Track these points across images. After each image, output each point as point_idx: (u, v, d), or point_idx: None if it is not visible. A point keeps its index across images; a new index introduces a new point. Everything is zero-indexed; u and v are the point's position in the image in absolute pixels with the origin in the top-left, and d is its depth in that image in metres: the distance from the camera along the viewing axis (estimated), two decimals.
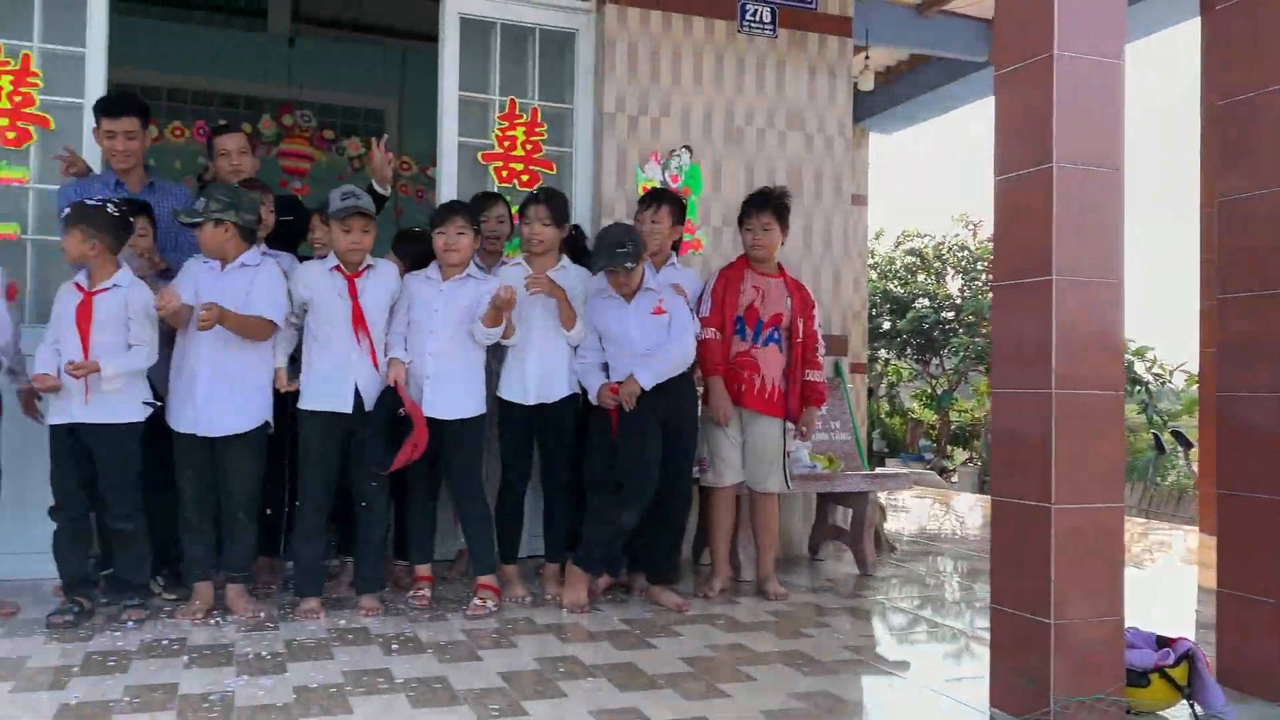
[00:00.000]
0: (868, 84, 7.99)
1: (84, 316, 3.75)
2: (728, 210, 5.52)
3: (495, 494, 4.43)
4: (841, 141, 5.83)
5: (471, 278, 4.21)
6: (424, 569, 4.27)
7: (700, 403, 4.49)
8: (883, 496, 7.02)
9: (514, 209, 4.81)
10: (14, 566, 4.31)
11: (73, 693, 3.01)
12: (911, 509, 8.09)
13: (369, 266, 4.09)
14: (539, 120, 5.38)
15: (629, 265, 4.14)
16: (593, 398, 4.28)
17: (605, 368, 4.31)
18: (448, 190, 5.18)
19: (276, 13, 8.74)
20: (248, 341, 3.90)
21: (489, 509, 4.27)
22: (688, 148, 5.47)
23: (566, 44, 5.52)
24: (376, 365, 4.06)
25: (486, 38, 5.35)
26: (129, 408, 3.83)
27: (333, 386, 4.00)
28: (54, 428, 3.81)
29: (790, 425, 4.54)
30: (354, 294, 4.02)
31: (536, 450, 4.46)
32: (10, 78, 4.54)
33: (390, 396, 4.01)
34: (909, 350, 14.13)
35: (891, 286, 14.44)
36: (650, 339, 4.23)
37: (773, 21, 5.67)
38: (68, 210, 3.78)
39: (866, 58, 7.83)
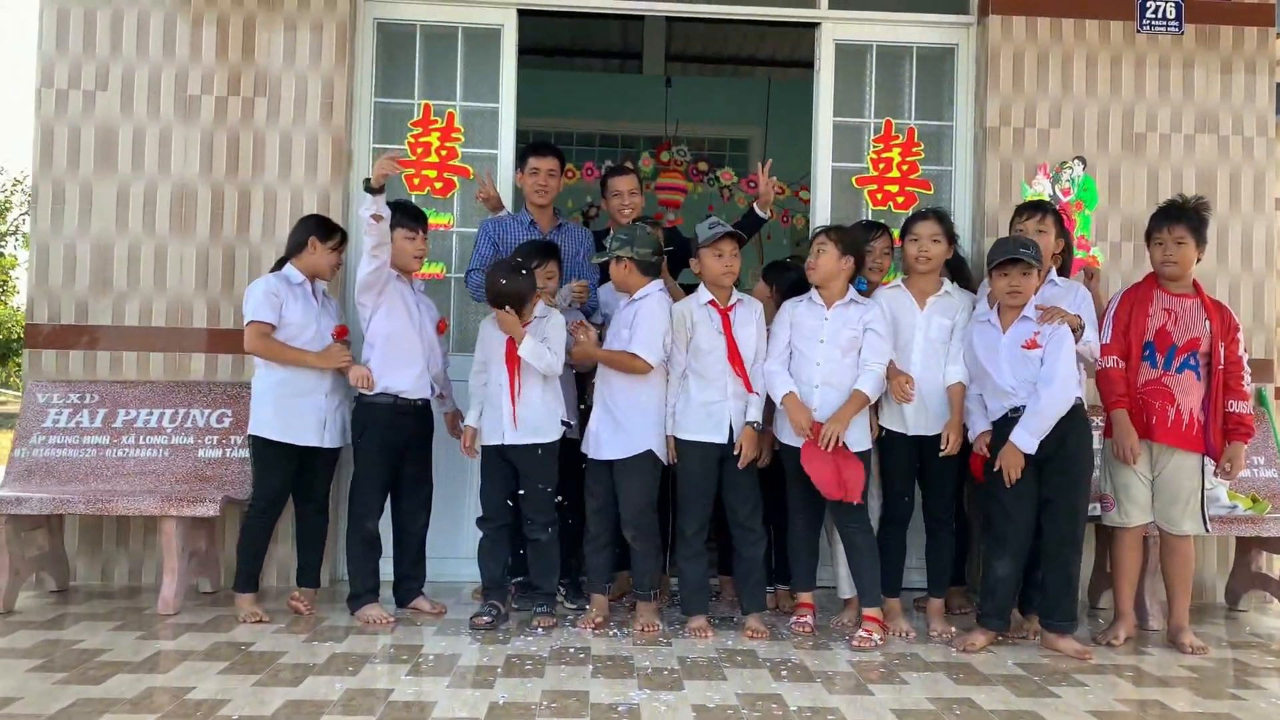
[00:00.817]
0: None
1: (512, 356, 4.13)
2: (1127, 224, 5.10)
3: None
4: (1263, 142, 5.20)
5: (855, 304, 4.17)
6: (806, 596, 4.27)
7: (1104, 435, 4.15)
8: None
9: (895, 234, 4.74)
10: (440, 569, 4.81)
11: (500, 693, 3.30)
12: None
13: (739, 301, 4.18)
14: (915, 140, 5.27)
15: (1031, 260, 3.90)
16: (972, 439, 4.10)
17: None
18: (822, 214, 5.20)
19: (651, 53, 9.23)
20: (632, 376, 4.11)
21: (875, 540, 4.20)
22: (1080, 158, 5.11)
23: (944, 60, 5.37)
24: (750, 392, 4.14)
25: (860, 62, 5.33)
26: (550, 428, 4.18)
27: (711, 419, 4.10)
28: (486, 448, 4.23)
29: (1209, 461, 4.09)
30: (728, 329, 4.11)
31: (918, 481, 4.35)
32: (438, 134, 5.13)
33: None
34: None
35: None
36: (1019, 375, 3.93)
37: (1178, 17, 5.17)
38: (486, 293, 4.18)
39: None
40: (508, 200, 5.02)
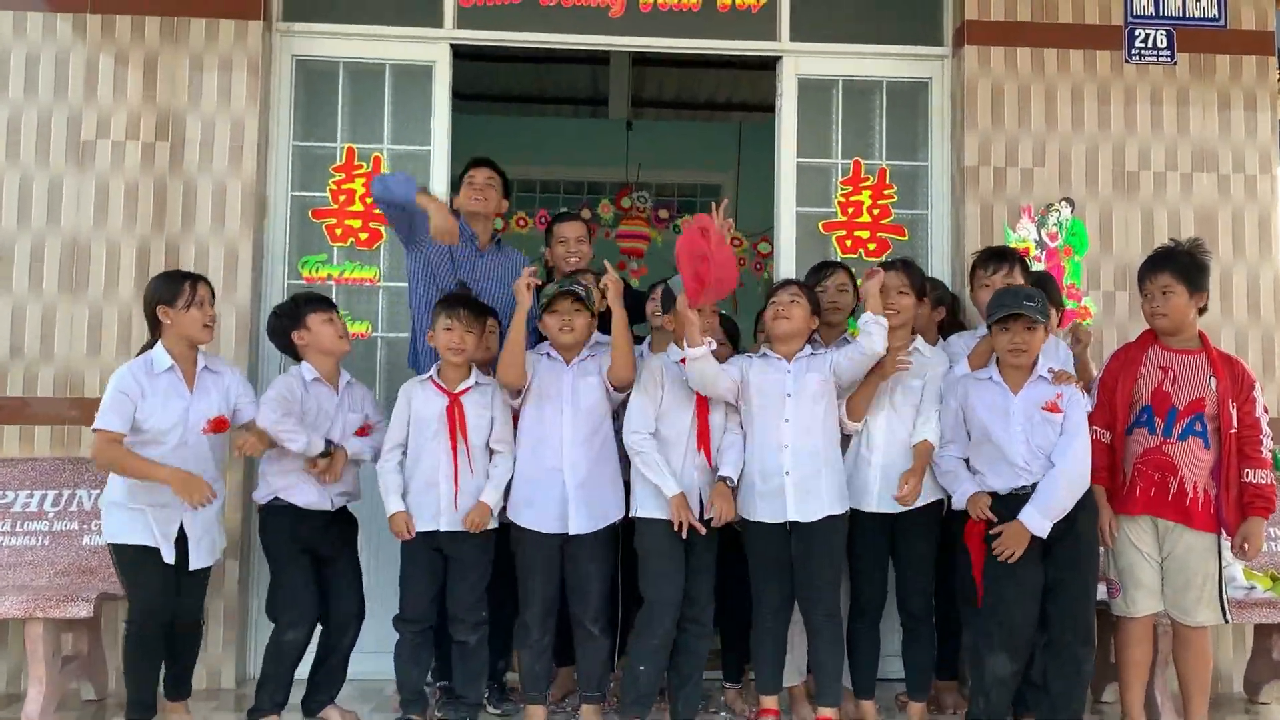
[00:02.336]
0: None
1: (454, 426, 3.63)
2: (1120, 271, 4.64)
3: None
4: (1267, 180, 4.76)
5: (814, 356, 3.70)
6: (770, 700, 3.70)
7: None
8: None
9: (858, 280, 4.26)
10: (359, 666, 4.16)
11: None
12: None
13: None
14: (887, 182, 4.82)
15: (1039, 317, 3.44)
16: (959, 504, 3.58)
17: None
18: (786, 264, 4.74)
19: (616, 99, 8.85)
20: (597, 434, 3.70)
21: (841, 631, 3.68)
22: (1069, 200, 4.65)
23: (917, 95, 4.93)
24: (710, 464, 3.65)
25: (826, 98, 4.89)
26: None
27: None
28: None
29: (1226, 539, 3.58)
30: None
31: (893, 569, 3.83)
32: (364, 180, 4.63)
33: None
34: None
35: None
36: (1037, 444, 3.45)
37: (1169, 46, 4.75)
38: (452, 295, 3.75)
39: None
40: None
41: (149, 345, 3.66)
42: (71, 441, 4.35)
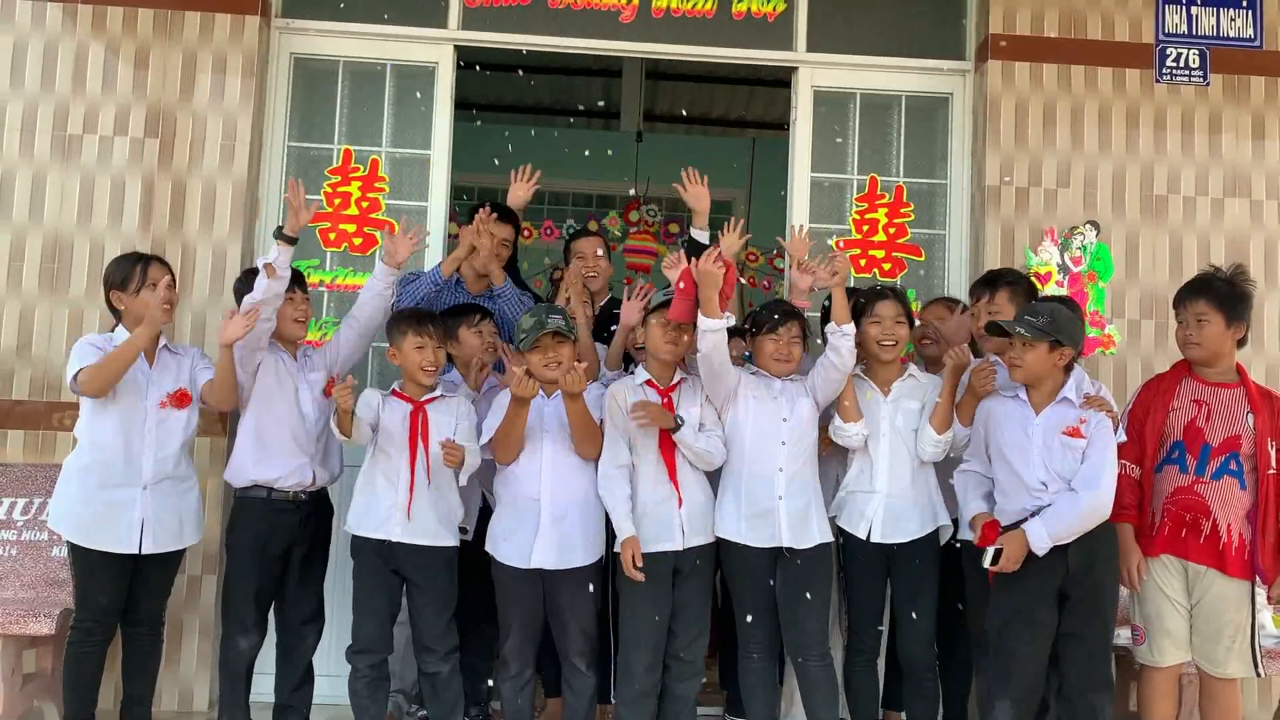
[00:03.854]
0: None
1: (414, 434, 3.44)
2: (1147, 298, 4.44)
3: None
4: None
5: (794, 380, 3.54)
6: None
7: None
8: None
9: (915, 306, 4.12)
10: (332, 690, 3.92)
11: None
12: None
13: (683, 380, 3.52)
14: (904, 199, 4.63)
15: (1025, 334, 3.23)
16: (964, 527, 3.39)
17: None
18: None
19: (628, 113, 8.69)
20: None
21: (834, 674, 3.49)
22: (1093, 223, 4.44)
23: (937, 110, 4.75)
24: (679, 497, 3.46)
25: (843, 112, 4.72)
26: (448, 530, 3.50)
27: (660, 523, 3.42)
28: (362, 545, 3.47)
29: (1262, 588, 3.36)
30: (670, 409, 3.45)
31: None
32: (359, 184, 4.48)
33: None
34: None
35: None
36: (1056, 468, 3.24)
37: (1203, 66, 4.56)
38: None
39: None
40: (437, 253, 4.36)
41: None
42: (46, 447, 4.16)
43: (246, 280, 3.61)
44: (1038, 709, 3.31)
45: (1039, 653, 3.23)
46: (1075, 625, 3.23)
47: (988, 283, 3.74)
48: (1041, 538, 3.16)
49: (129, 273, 3.49)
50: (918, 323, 3.86)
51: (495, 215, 3.96)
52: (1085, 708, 3.25)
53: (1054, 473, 3.24)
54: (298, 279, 3.65)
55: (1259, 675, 3.41)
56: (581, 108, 8.94)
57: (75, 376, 3.39)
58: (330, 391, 3.53)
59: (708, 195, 4.13)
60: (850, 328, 3.44)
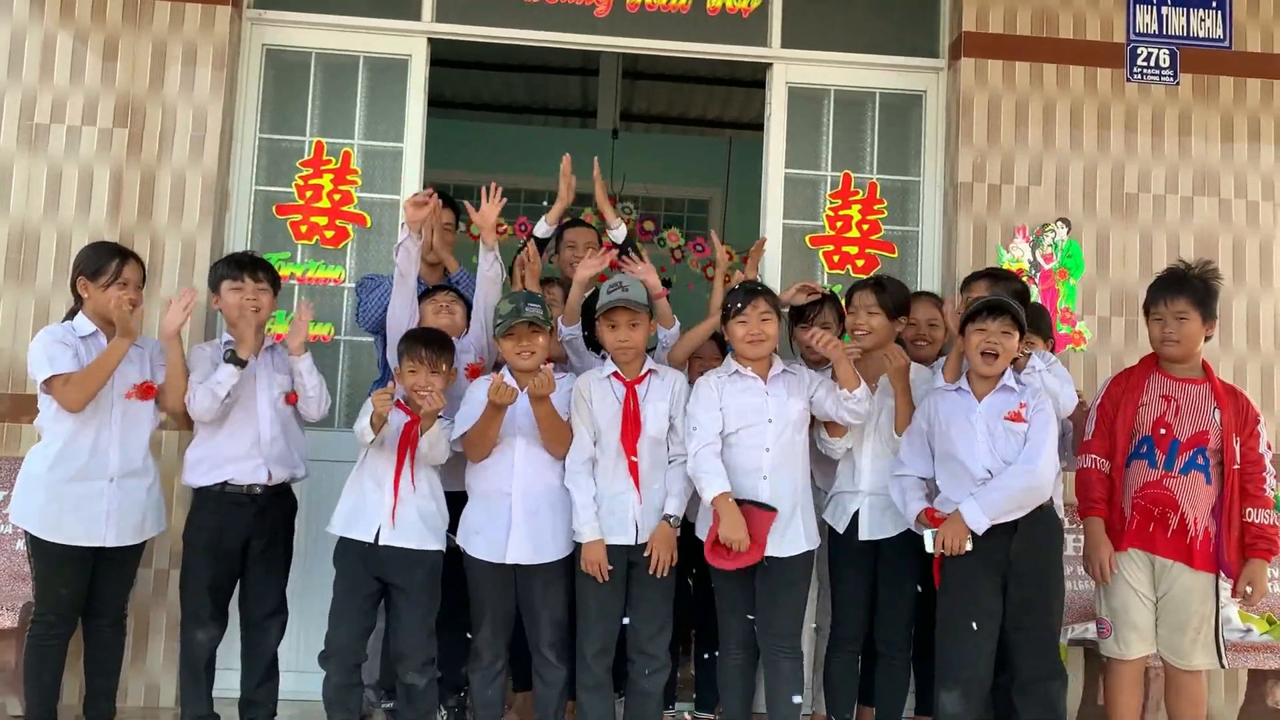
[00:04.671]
0: None
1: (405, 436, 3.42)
2: (1117, 295, 4.47)
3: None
4: (1269, 207, 4.61)
5: (788, 372, 3.50)
6: None
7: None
8: None
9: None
10: (300, 685, 3.92)
11: None
12: None
13: (651, 371, 3.49)
14: (877, 196, 4.64)
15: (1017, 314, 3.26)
16: (910, 522, 3.39)
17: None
18: (771, 278, 4.53)
19: (605, 111, 8.68)
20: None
21: (801, 667, 3.46)
22: (1065, 220, 4.48)
23: (911, 107, 4.76)
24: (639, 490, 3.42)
25: (817, 109, 4.72)
26: (435, 535, 3.47)
27: (614, 515, 3.39)
28: (346, 547, 3.44)
29: (1226, 581, 3.39)
30: (632, 404, 3.42)
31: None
32: (331, 176, 4.45)
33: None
34: None
35: None
36: (1001, 454, 3.25)
37: (1173, 66, 4.60)
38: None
39: None
40: None
41: (70, 316, 3.50)
42: (11, 440, 4.11)
43: (218, 271, 3.61)
44: (990, 699, 3.33)
45: (984, 641, 3.24)
46: (1021, 617, 3.24)
47: (992, 278, 3.74)
48: (977, 514, 3.17)
49: (103, 264, 3.43)
50: (909, 323, 3.81)
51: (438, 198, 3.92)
52: (1041, 696, 3.26)
53: (999, 459, 3.25)
54: (248, 265, 3.61)
55: (1223, 667, 3.44)
56: (558, 106, 8.95)
57: (49, 381, 3.33)
58: (292, 400, 3.56)
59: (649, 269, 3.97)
60: (861, 391, 3.38)
